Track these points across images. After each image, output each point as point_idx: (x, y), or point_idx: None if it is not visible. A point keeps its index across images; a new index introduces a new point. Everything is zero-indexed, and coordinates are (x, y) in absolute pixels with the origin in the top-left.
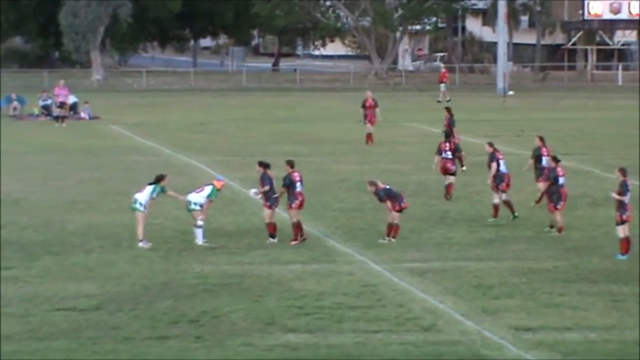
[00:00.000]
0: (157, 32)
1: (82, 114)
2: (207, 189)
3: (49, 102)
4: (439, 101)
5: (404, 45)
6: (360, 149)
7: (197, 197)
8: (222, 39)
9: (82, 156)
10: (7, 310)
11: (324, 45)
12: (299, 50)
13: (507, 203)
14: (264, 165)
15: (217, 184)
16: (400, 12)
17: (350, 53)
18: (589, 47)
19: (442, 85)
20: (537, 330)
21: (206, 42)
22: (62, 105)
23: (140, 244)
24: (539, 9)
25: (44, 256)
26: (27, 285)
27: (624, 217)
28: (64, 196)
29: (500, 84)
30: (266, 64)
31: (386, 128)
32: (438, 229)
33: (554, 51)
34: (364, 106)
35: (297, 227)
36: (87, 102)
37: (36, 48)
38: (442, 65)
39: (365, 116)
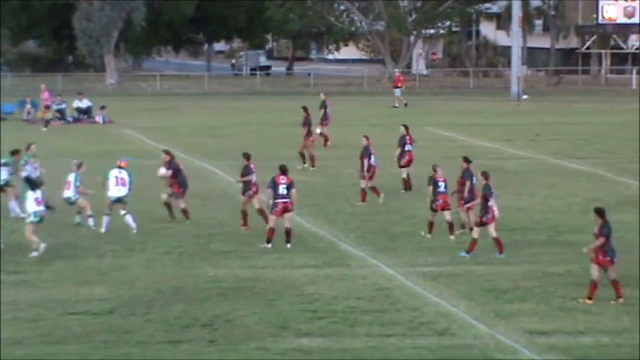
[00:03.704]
0: (171, 36)
1: (97, 118)
2: (126, 176)
3: (63, 105)
4: (394, 106)
5: (418, 49)
6: (378, 153)
7: (126, 189)
8: (237, 43)
9: (95, 160)
10: (19, 314)
11: (337, 49)
12: (313, 54)
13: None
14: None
15: (124, 164)
16: (414, 16)
17: (364, 57)
18: (603, 51)
19: (397, 90)
20: (550, 334)
21: (220, 46)
22: (47, 108)
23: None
24: (553, 12)
25: (56, 260)
26: (38, 289)
27: (484, 219)
28: None
29: (514, 88)
30: (280, 67)
31: (399, 132)
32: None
33: (568, 55)
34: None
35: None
36: (103, 107)
37: (50, 52)
38: (396, 70)
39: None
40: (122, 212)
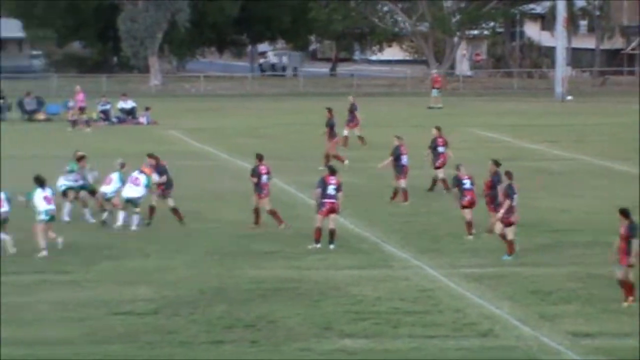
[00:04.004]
0: (215, 37)
1: (141, 119)
2: (143, 179)
3: (107, 106)
4: (430, 107)
5: (462, 50)
6: (416, 154)
7: (140, 189)
8: (280, 44)
9: (139, 161)
10: (65, 314)
11: (381, 50)
12: (356, 55)
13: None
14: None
15: (148, 171)
16: (458, 17)
17: (407, 58)
18: None
19: (435, 91)
20: (595, 336)
21: (264, 47)
22: (82, 109)
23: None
24: (598, 13)
25: (102, 261)
26: (84, 289)
27: (511, 219)
28: None
29: (558, 89)
30: (324, 68)
31: (443, 133)
32: (494, 235)
33: (613, 56)
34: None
35: (274, 213)
36: (148, 109)
37: (95, 53)
38: (434, 71)
39: (349, 121)
40: (137, 209)
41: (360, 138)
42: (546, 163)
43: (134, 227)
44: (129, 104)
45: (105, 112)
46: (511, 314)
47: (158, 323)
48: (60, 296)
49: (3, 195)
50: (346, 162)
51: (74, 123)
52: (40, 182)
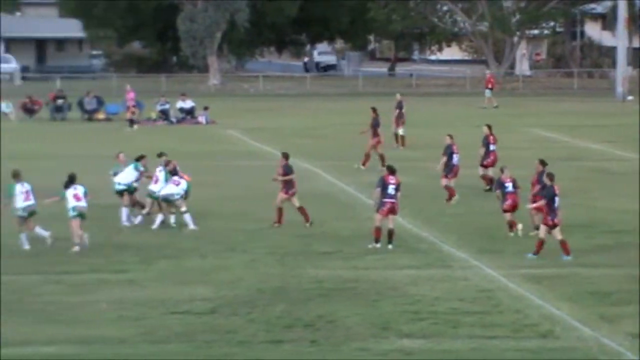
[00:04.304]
0: (274, 37)
1: (200, 119)
2: (183, 183)
3: (166, 106)
4: (483, 108)
5: (522, 50)
6: (474, 153)
7: (177, 189)
8: (339, 44)
9: (198, 161)
10: (123, 313)
11: (440, 49)
12: (415, 55)
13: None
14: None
15: (188, 178)
16: (517, 16)
17: (466, 58)
18: None
19: (488, 91)
20: None
21: (323, 47)
22: (134, 108)
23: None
24: None
25: (160, 260)
26: (142, 288)
27: (556, 220)
28: None
29: (619, 89)
30: (382, 68)
31: (502, 133)
32: (549, 235)
33: None
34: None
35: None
36: (207, 108)
37: (154, 53)
38: (487, 71)
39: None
40: (182, 209)
41: (397, 136)
42: (606, 163)
43: (191, 227)
44: (187, 103)
45: (164, 112)
46: (571, 314)
47: (216, 322)
48: (118, 295)
49: (29, 187)
50: (361, 167)
51: (132, 122)
52: (70, 180)
